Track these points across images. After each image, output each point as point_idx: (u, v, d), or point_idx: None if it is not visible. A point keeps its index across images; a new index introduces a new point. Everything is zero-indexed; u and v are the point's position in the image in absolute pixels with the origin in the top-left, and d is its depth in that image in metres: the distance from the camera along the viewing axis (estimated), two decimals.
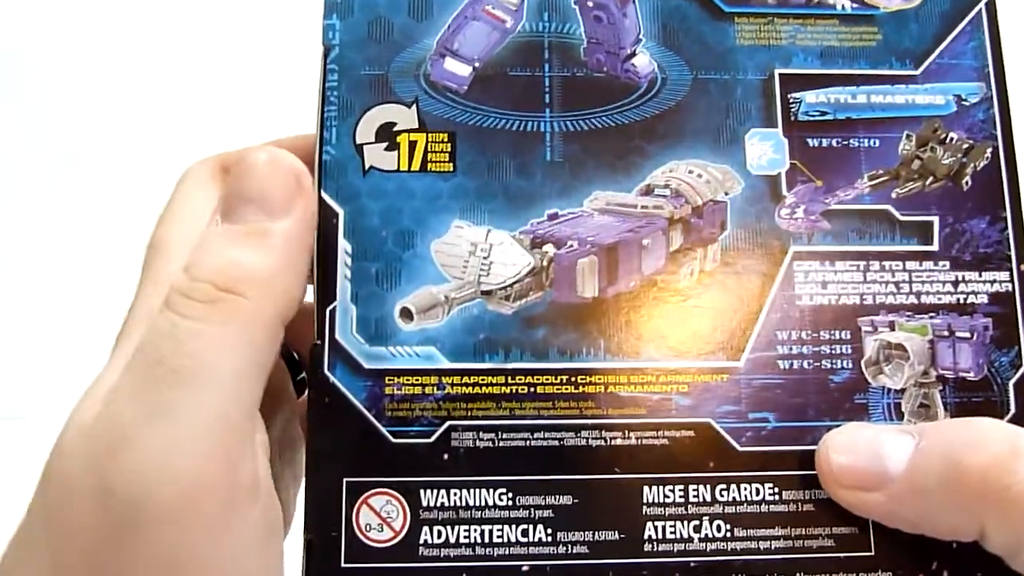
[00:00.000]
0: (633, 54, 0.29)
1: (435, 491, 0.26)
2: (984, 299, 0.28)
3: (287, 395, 0.29)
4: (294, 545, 0.26)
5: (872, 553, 0.26)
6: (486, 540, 0.26)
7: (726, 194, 0.28)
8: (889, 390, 0.27)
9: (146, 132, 0.55)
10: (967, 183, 0.29)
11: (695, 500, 0.26)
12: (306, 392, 0.27)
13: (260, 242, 0.24)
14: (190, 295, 0.23)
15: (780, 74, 0.29)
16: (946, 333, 0.28)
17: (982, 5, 0.30)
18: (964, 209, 0.28)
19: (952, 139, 0.29)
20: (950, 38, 0.29)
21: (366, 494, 0.26)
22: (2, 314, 0.51)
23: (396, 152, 0.28)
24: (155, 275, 0.25)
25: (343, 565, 0.25)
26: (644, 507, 0.26)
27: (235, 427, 0.22)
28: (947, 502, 0.25)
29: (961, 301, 0.28)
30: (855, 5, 0.29)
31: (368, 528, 0.26)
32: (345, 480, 0.26)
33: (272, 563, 0.24)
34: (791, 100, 0.29)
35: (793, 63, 0.29)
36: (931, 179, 0.28)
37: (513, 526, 0.26)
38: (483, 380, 0.27)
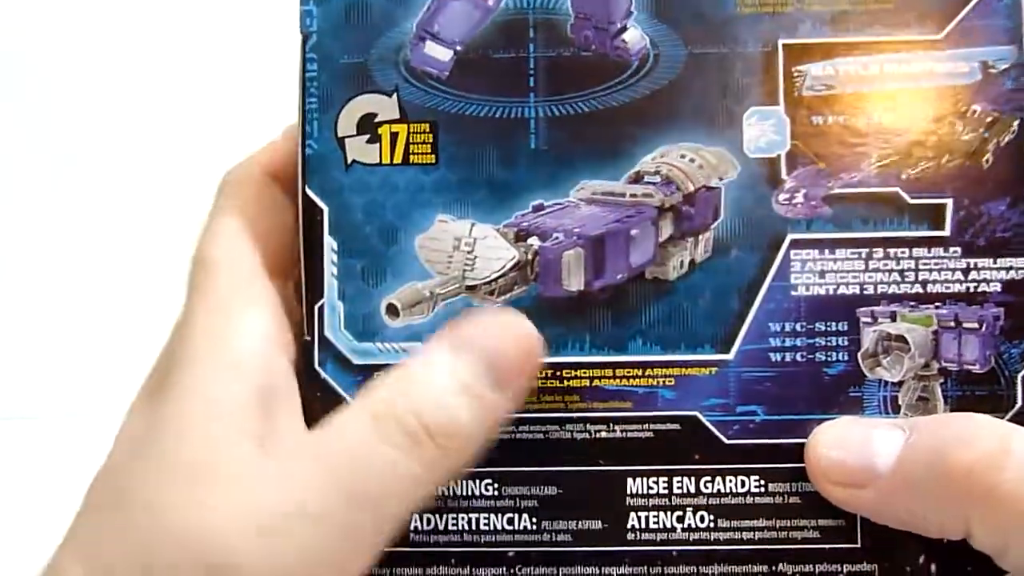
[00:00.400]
0: (624, 28, 0.27)
1: None
2: (997, 287, 0.26)
3: None
4: None
5: (859, 545, 0.26)
6: (473, 528, 0.27)
7: (720, 179, 0.27)
8: (886, 383, 0.26)
9: (146, 132, 0.55)
10: (988, 161, 0.26)
11: (679, 491, 0.27)
12: None
13: (482, 407, 0.24)
14: (400, 424, 0.23)
15: (784, 44, 0.27)
16: (952, 324, 0.26)
17: None
18: (983, 190, 0.26)
19: (974, 112, 0.26)
20: None
21: None
22: (2, 314, 0.53)
23: (378, 145, 0.27)
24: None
25: None
26: (628, 498, 0.27)
27: (377, 550, 0.24)
28: (933, 499, 0.24)
29: (971, 290, 0.26)
30: None
31: None
32: None
33: None
34: (795, 73, 0.27)
35: (800, 32, 0.27)
36: (947, 157, 0.26)
37: (499, 515, 0.27)
38: None
